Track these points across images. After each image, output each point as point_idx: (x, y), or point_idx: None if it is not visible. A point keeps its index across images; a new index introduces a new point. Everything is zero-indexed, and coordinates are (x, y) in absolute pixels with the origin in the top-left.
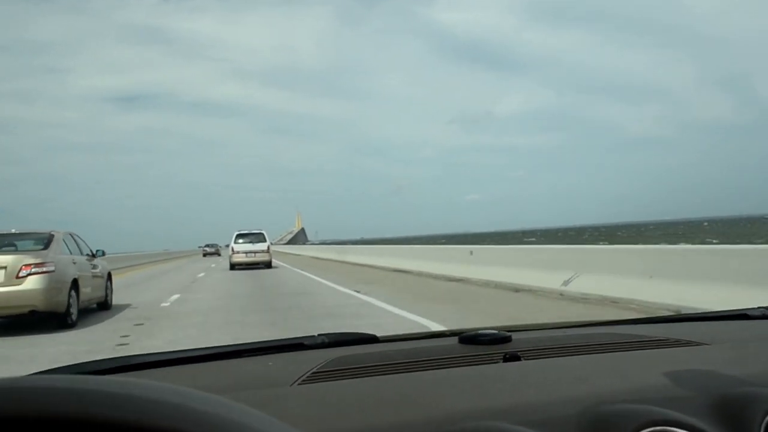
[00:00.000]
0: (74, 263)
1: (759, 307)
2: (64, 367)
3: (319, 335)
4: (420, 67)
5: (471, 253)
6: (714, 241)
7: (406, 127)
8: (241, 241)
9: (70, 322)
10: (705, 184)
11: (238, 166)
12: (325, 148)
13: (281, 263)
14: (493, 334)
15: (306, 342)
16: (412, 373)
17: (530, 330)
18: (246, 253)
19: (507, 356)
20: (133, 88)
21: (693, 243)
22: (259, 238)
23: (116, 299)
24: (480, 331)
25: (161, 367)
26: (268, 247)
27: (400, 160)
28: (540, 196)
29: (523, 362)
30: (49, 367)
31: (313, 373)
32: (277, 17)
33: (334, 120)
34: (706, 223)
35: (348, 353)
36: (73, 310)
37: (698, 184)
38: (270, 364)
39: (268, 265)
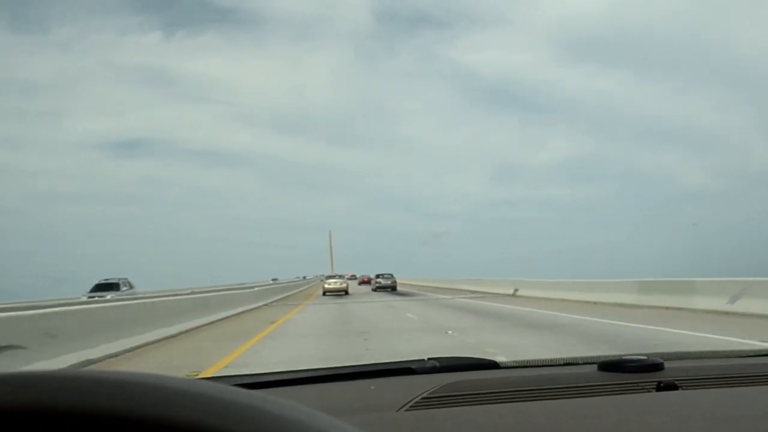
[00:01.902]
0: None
1: None
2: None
3: (429, 359)
4: (447, 112)
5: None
6: None
7: (434, 177)
8: (330, 280)
9: None
10: None
11: (250, 220)
12: (345, 200)
13: None
14: (641, 360)
15: (414, 366)
16: (543, 402)
17: (686, 359)
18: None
19: (661, 385)
20: (132, 134)
21: None
22: (340, 278)
23: None
24: (624, 357)
25: (259, 389)
26: (345, 282)
27: (429, 215)
28: (590, 250)
29: (682, 392)
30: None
31: (424, 398)
32: (289, 58)
33: (354, 169)
34: None
35: (463, 378)
36: None
37: None
38: (372, 388)
39: (345, 291)
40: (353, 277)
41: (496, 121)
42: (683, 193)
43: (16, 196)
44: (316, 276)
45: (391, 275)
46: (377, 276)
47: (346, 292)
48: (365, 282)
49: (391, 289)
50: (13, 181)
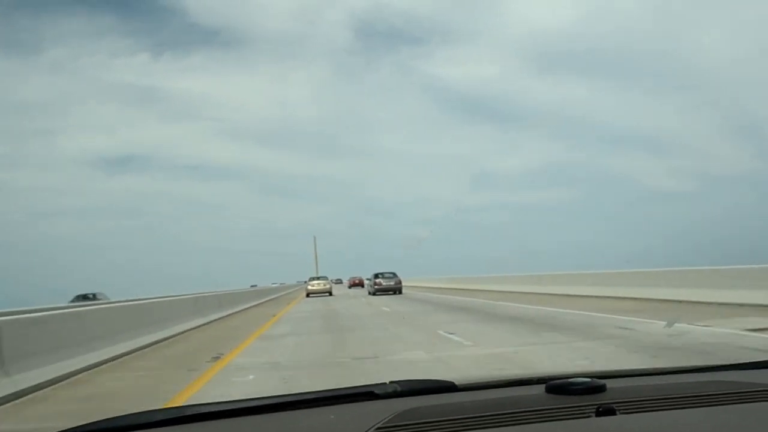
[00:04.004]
0: None
1: None
2: (108, 419)
3: (390, 383)
4: (424, 123)
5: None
6: None
7: (414, 185)
8: (313, 281)
9: None
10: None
11: (239, 230)
12: (329, 209)
13: None
14: (585, 382)
15: (376, 390)
16: (492, 430)
17: (627, 376)
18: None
19: (600, 409)
20: (124, 150)
21: None
22: (323, 278)
23: None
24: (570, 379)
25: (214, 420)
26: (328, 283)
27: (411, 221)
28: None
29: (618, 417)
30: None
31: (377, 429)
32: (274, 75)
33: (336, 180)
34: None
35: (421, 404)
36: None
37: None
38: (332, 417)
39: (330, 292)
40: (339, 281)
41: (471, 130)
42: (649, 194)
43: (14, 211)
44: (298, 282)
45: (394, 274)
46: (376, 276)
47: (330, 293)
48: (357, 284)
49: (394, 291)
50: (11, 197)
